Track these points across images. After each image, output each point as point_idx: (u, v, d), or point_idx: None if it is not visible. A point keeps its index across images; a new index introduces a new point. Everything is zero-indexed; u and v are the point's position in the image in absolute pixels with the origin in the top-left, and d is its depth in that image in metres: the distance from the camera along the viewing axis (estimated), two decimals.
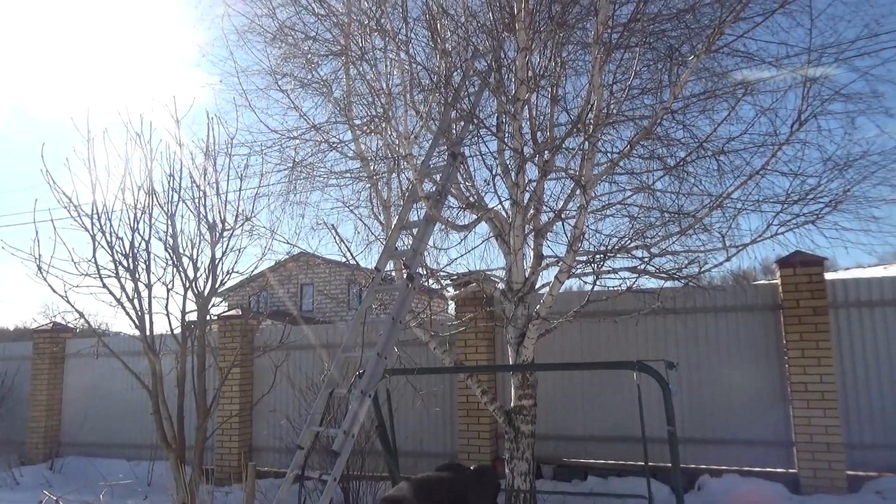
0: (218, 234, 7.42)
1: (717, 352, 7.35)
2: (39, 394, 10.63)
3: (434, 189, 5.67)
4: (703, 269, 5.97)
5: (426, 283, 6.73)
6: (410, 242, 5.60)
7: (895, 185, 5.80)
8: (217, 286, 7.32)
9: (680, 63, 5.70)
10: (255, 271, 8.54)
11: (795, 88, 5.73)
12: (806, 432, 6.69)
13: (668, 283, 6.47)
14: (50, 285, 6.78)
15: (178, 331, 7.30)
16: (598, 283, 6.18)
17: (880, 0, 5.47)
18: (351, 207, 7.11)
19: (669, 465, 4.33)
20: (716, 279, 7.25)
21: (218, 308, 9.14)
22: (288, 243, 7.33)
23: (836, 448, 6.57)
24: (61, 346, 10.84)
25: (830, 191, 5.83)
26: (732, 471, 6.98)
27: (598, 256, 6.00)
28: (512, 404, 6.00)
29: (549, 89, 6.17)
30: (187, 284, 7.20)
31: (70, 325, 11.18)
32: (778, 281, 7.12)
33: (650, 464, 6.65)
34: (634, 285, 6.34)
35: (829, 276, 7.11)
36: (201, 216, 7.39)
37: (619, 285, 6.41)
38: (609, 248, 6.06)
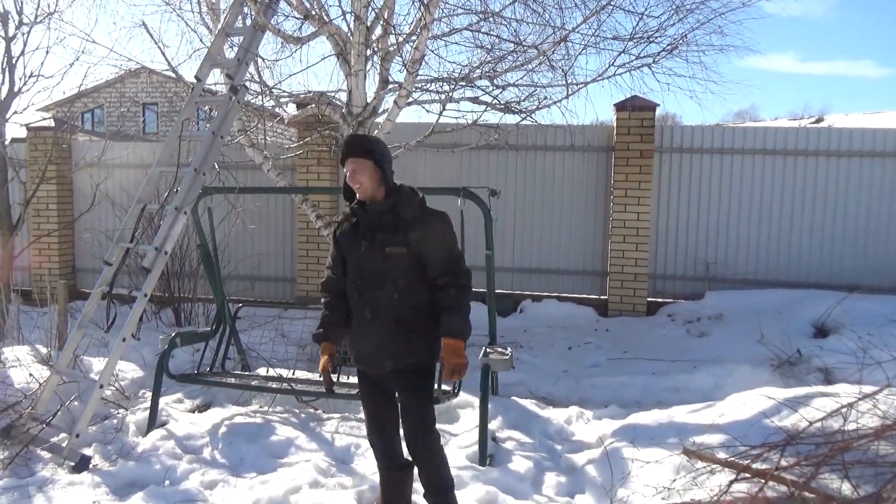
0: (15, 27, 6.36)
1: (551, 189, 7.69)
2: None
3: None
4: (541, 105, 6.01)
5: (262, 103, 6.29)
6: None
7: (726, 34, 6.03)
8: (16, 90, 6.38)
9: None
10: (85, 85, 7.49)
11: None
12: (619, 264, 7.36)
13: (509, 119, 6.53)
14: None
15: None
16: (443, 113, 6.08)
17: None
18: (175, 9, 6.28)
19: (499, 291, 4.56)
20: (557, 122, 7.39)
21: (25, 117, 8.04)
22: (104, 47, 6.43)
23: (641, 278, 7.33)
24: None
25: (669, 35, 5.96)
26: (552, 296, 7.64)
27: (441, 84, 5.83)
28: None
29: None
30: None
31: None
32: (613, 123, 7.40)
33: (480, 290, 7.13)
34: (479, 119, 6.33)
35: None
36: None
37: (462, 117, 6.37)
38: (455, 76, 5.89)
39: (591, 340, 6.42)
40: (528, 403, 4.74)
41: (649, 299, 7.41)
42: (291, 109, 6.90)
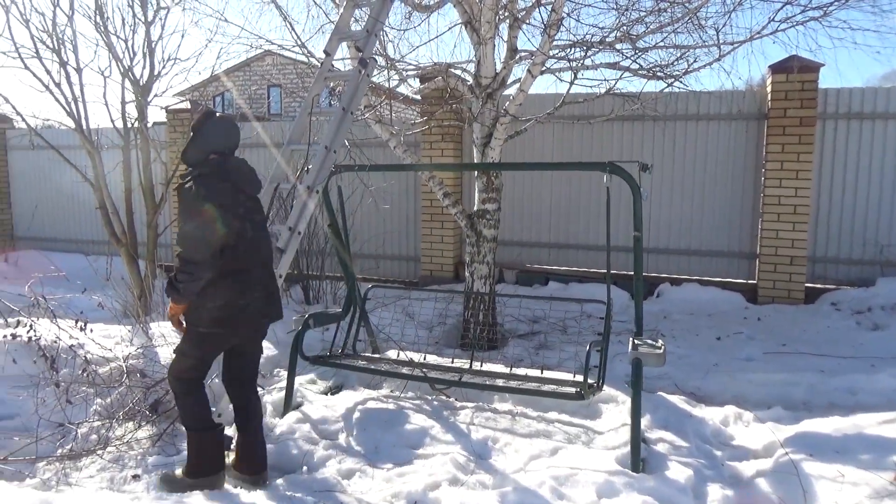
0: (154, 12, 6.55)
1: (693, 162, 7.04)
2: None
3: None
4: (690, 68, 5.41)
5: (388, 80, 6.11)
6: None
7: None
8: (156, 73, 6.60)
9: None
10: (218, 68, 7.69)
11: None
12: (772, 245, 6.62)
13: (650, 88, 5.97)
14: None
15: (119, 122, 6.71)
16: (575, 81, 5.63)
17: None
18: None
19: (630, 272, 4.15)
20: (708, 87, 6.70)
21: (165, 100, 8.41)
22: (236, 25, 6.49)
23: (799, 261, 6.55)
24: (1, 136, 10.14)
25: None
26: (693, 280, 7.02)
27: (575, 50, 5.38)
28: (475, 208, 5.72)
29: None
30: (122, 70, 6.47)
31: (9, 115, 10.39)
32: (768, 87, 6.61)
33: (612, 271, 6.68)
34: (615, 87, 5.82)
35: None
36: None
37: (598, 85, 5.89)
38: (591, 39, 5.41)
39: (742, 330, 5.80)
40: (678, 400, 4.31)
41: (807, 285, 6.62)
42: (415, 84, 6.69)
